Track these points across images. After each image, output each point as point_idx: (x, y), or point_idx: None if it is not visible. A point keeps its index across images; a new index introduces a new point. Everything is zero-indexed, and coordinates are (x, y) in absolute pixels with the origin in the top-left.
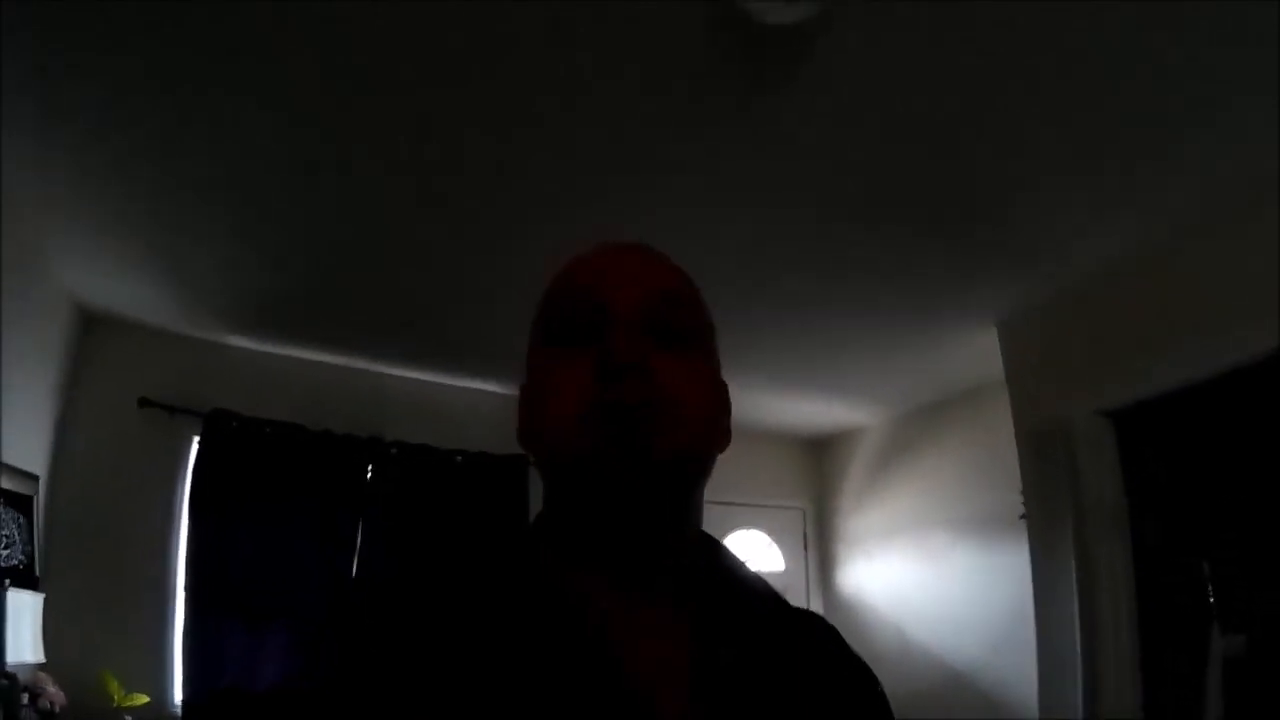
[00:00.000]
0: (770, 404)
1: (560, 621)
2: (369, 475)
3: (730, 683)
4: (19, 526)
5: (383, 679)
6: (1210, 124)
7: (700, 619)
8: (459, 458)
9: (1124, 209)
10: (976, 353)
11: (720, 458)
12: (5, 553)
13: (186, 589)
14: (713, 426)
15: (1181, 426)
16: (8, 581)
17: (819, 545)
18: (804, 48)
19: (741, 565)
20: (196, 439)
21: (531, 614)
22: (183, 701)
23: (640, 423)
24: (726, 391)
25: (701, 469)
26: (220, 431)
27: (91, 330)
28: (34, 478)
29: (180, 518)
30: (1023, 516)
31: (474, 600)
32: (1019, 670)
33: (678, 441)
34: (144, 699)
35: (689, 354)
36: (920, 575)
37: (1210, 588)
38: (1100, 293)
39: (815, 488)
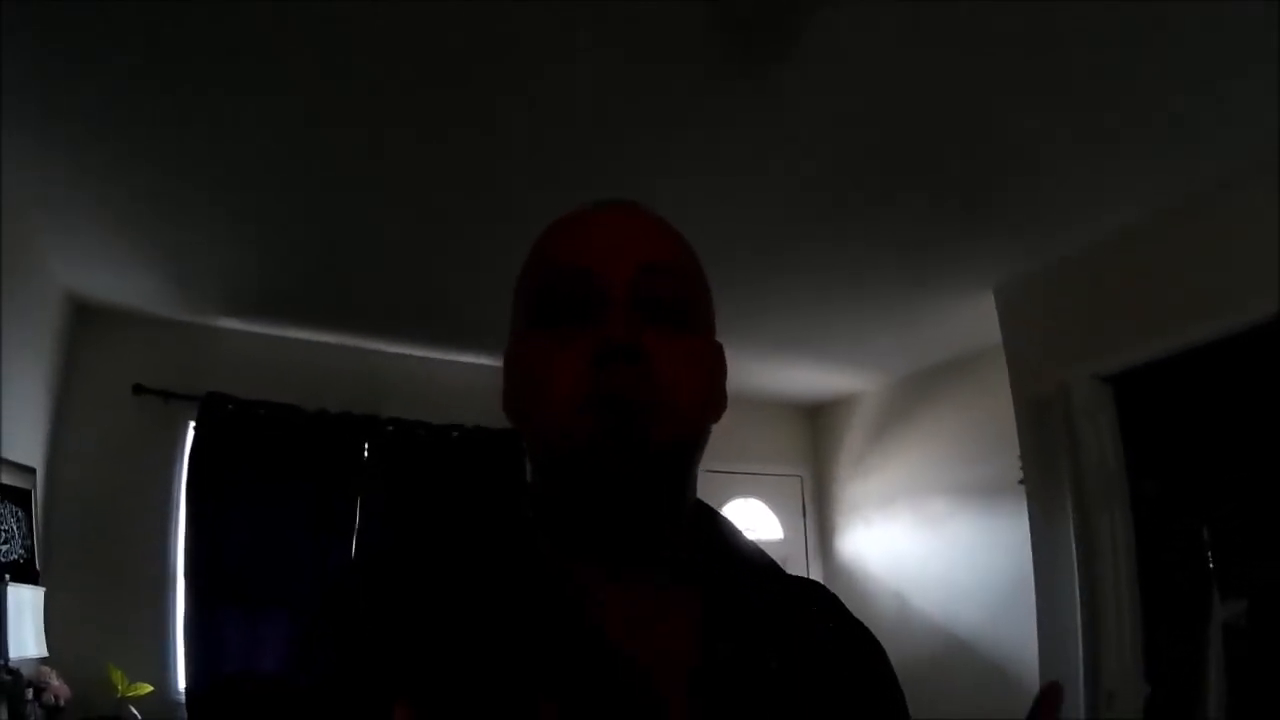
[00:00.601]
0: (767, 370)
1: (558, 613)
2: (366, 454)
3: (730, 672)
4: (17, 521)
5: (379, 672)
6: (1210, 95)
7: (698, 606)
8: (455, 433)
9: (1123, 177)
10: (974, 318)
11: (717, 425)
12: (4, 547)
13: (186, 577)
14: (708, 406)
15: (1181, 391)
16: (8, 576)
17: (817, 513)
18: (804, 17)
19: (738, 538)
20: (192, 424)
21: (529, 606)
22: (186, 690)
23: (636, 415)
24: (722, 354)
25: (697, 450)
26: (216, 415)
27: (84, 318)
28: (31, 471)
29: (178, 504)
30: (1021, 482)
31: (469, 591)
32: (1019, 636)
33: (673, 432)
34: (147, 688)
35: (684, 328)
36: (919, 542)
37: (1210, 553)
38: (1098, 258)
39: (813, 455)
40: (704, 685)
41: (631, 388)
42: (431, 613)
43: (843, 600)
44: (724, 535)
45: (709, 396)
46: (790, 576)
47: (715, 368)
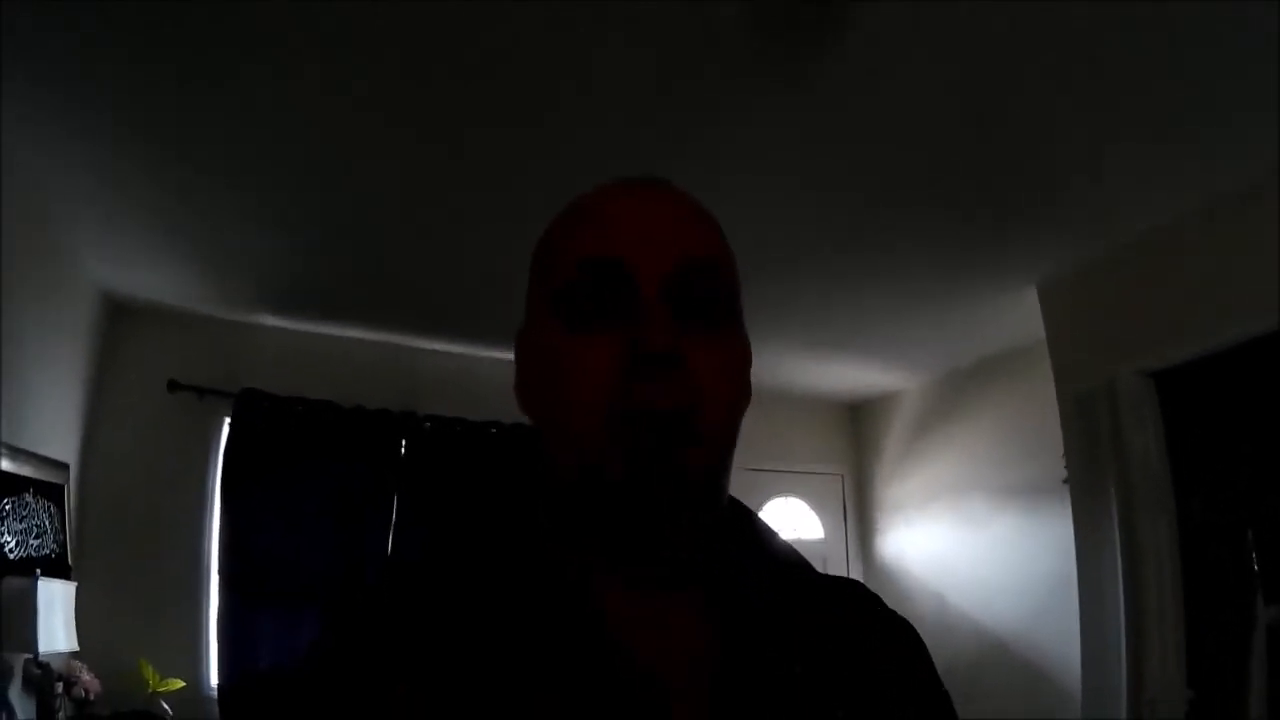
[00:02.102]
0: (808, 368)
1: (563, 610)
2: (403, 450)
3: (747, 674)
4: (50, 516)
5: (382, 660)
6: (1256, 84)
7: (716, 605)
8: (493, 430)
9: (1167, 169)
10: (1017, 314)
11: (758, 423)
12: (36, 542)
13: (220, 573)
14: (741, 410)
15: (1226, 388)
16: (39, 571)
17: (858, 512)
18: (841, 17)
19: (768, 536)
20: (227, 420)
21: (533, 602)
22: (218, 686)
23: (673, 434)
24: (749, 344)
25: (730, 460)
26: (251, 412)
27: (118, 315)
28: (64, 466)
29: (213, 500)
30: (1065, 481)
31: (475, 587)
32: (1061, 638)
33: (712, 449)
34: (179, 684)
35: (720, 324)
36: (961, 542)
37: (1255, 555)
38: (1143, 252)
39: (854, 453)
40: (723, 688)
41: (669, 400)
42: (437, 607)
43: (883, 600)
44: (753, 534)
45: (743, 393)
46: (824, 576)
47: (747, 362)
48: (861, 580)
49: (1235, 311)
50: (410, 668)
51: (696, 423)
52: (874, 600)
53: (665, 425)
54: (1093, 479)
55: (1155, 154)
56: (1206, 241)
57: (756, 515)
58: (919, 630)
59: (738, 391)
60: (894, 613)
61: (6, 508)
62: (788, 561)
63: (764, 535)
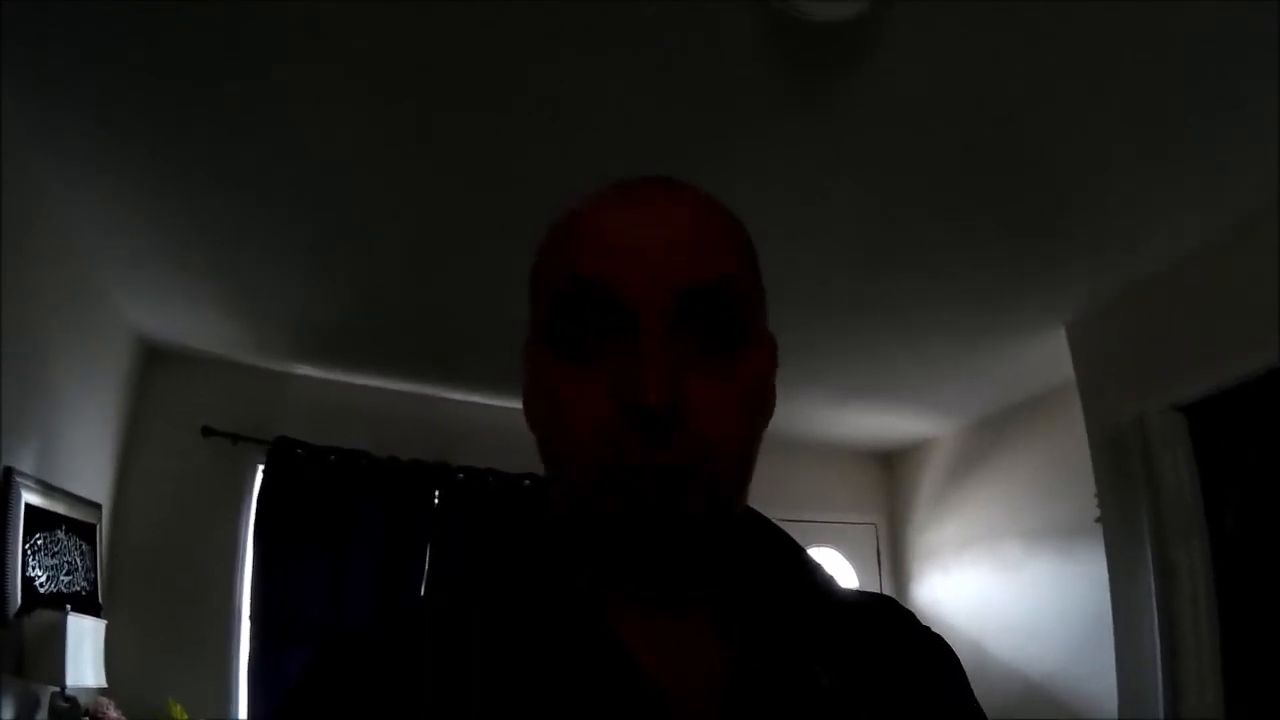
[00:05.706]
0: (839, 417)
1: (570, 627)
2: (436, 500)
3: (760, 692)
4: (82, 554)
5: (401, 691)
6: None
7: (732, 619)
8: (527, 481)
9: (1191, 200)
10: (1046, 355)
11: (790, 473)
12: (67, 579)
13: (251, 617)
14: (756, 439)
15: (1257, 417)
16: (69, 607)
17: (892, 561)
18: (859, 45)
19: (793, 552)
20: (261, 467)
21: (540, 621)
22: None
23: (674, 488)
24: (774, 351)
25: (744, 489)
26: (285, 459)
27: (154, 360)
28: (97, 506)
29: (245, 545)
30: (1098, 520)
31: (484, 612)
32: (1099, 677)
33: (714, 497)
34: None
35: (731, 349)
36: (996, 587)
37: None
38: (1169, 284)
39: (887, 502)
40: (734, 703)
41: (669, 457)
42: (453, 639)
43: (916, 616)
44: (775, 550)
45: (759, 429)
46: (855, 592)
47: (767, 377)
48: None
49: (1262, 339)
50: (412, 692)
51: (698, 475)
52: (907, 615)
53: (665, 478)
54: (1126, 516)
55: (1179, 176)
56: (1237, 267)
57: (776, 527)
58: None
59: (750, 429)
60: (928, 628)
61: (38, 542)
62: (814, 577)
63: (788, 551)
